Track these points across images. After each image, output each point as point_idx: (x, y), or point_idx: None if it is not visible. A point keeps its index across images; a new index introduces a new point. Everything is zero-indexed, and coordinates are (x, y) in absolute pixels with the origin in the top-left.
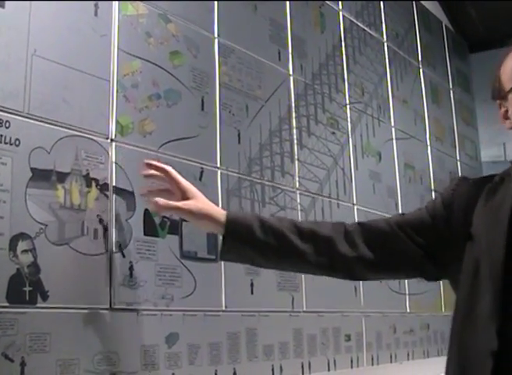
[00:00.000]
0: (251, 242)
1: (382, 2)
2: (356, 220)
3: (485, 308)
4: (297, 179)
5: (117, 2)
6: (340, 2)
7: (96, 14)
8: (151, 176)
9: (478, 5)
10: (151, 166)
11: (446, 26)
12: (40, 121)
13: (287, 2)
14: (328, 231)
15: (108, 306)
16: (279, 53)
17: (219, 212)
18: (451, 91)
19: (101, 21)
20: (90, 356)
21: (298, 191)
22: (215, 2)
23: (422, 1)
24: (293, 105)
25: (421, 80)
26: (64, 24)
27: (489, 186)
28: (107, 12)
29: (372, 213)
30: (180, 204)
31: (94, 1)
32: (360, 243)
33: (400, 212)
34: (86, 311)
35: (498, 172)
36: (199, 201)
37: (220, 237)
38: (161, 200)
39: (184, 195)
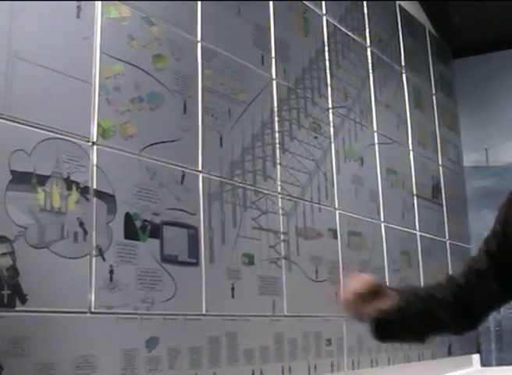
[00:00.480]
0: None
1: (365, 7)
2: (338, 225)
3: None
4: (279, 183)
5: (100, 4)
6: (324, 7)
7: (78, 16)
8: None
9: (462, 11)
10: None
11: (429, 31)
12: (21, 123)
13: (271, 6)
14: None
15: (87, 310)
16: (263, 57)
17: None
18: (434, 96)
19: (84, 23)
20: (70, 360)
21: (280, 195)
22: (199, 6)
23: (406, 7)
24: (276, 109)
25: (404, 84)
26: (46, 26)
27: None
28: (90, 15)
29: (353, 218)
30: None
31: (77, 3)
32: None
33: (382, 218)
34: (65, 314)
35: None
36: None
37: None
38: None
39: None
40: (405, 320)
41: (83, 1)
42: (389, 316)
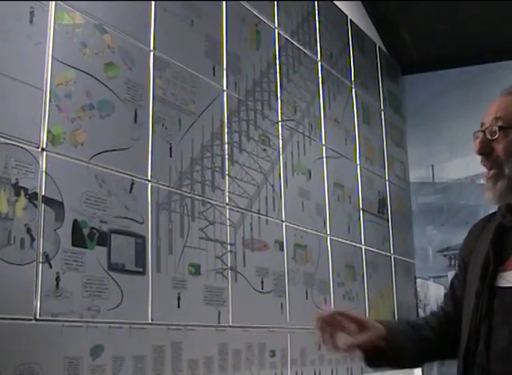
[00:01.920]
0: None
1: (317, 22)
2: (284, 238)
3: (464, 331)
4: (227, 194)
5: (53, 11)
6: (277, 20)
7: (31, 21)
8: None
9: (412, 29)
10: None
11: (379, 47)
12: None
13: (224, 18)
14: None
15: (32, 317)
16: (214, 68)
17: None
18: (382, 112)
19: (37, 29)
20: (12, 368)
21: (228, 206)
22: (152, 15)
23: (358, 23)
24: (226, 120)
25: (353, 100)
26: None
27: (486, 220)
28: (42, 21)
29: (300, 230)
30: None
31: (30, 9)
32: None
33: (328, 231)
34: (9, 321)
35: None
36: (375, 330)
37: None
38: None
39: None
40: (394, 345)
41: (36, 7)
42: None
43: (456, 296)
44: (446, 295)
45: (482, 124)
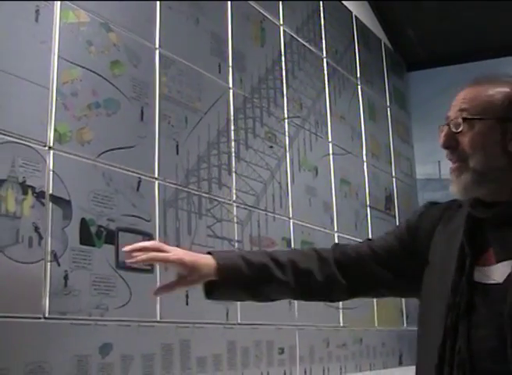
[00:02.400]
0: (242, 284)
1: (322, 19)
2: (292, 235)
3: (433, 327)
4: (234, 191)
5: (58, 9)
6: (282, 17)
7: (37, 20)
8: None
9: (417, 26)
10: (137, 251)
11: (385, 44)
12: None
13: (229, 15)
14: (304, 262)
15: (41, 315)
16: (220, 66)
17: (212, 267)
18: (388, 109)
19: (42, 28)
20: (22, 366)
21: (235, 204)
22: (157, 13)
23: (363, 20)
24: (232, 117)
25: (359, 96)
26: (3, 29)
27: (449, 212)
28: (48, 19)
29: (307, 227)
30: (185, 283)
31: (36, 8)
32: (334, 270)
33: (335, 228)
34: (19, 320)
35: (456, 197)
36: (195, 270)
37: None
38: (165, 287)
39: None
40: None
41: (41, 6)
42: (229, 272)
43: (381, 254)
44: (370, 241)
45: (447, 117)
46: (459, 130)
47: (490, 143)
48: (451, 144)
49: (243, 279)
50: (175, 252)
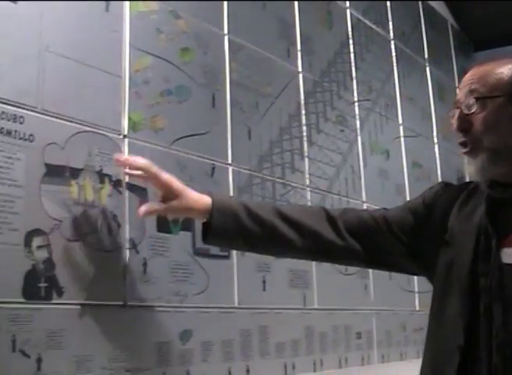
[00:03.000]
0: (237, 230)
1: (388, 0)
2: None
3: (454, 308)
4: (307, 176)
5: None
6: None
7: (107, 10)
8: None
9: (483, 5)
10: (121, 163)
11: (451, 24)
12: (54, 117)
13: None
14: (314, 218)
15: (122, 303)
16: (288, 50)
17: (204, 203)
18: (457, 89)
19: (113, 17)
20: (105, 353)
21: (308, 188)
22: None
23: (428, 0)
24: (303, 102)
25: (428, 77)
26: (76, 20)
27: (465, 193)
28: (118, 8)
29: None
30: (165, 208)
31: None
32: (345, 233)
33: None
34: (100, 307)
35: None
36: (182, 197)
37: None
38: (142, 209)
39: (169, 191)
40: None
41: None
42: (224, 214)
43: (395, 223)
44: (386, 210)
45: (456, 101)
46: (471, 111)
47: (504, 120)
48: (465, 126)
49: (240, 226)
50: (168, 207)
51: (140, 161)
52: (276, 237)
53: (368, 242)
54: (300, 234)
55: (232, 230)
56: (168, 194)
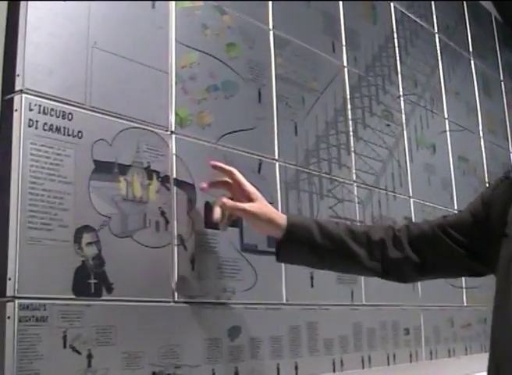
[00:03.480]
0: (310, 245)
1: None
2: (412, 214)
3: None
4: (354, 171)
5: None
6: None
7: (153, 6)
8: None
9: None
10: (216, 168)
11: (495, 17)
12: (102, 113)
13: None
14: (380, 236)
15: (171, 299)
16: (333, 45)
17: (281, 217)
18: (502, 83)
19: (159, 13)
20: (155, 349)
21: (355, 184)
22: None
23: None
24: (348, 96)
25: (473, 71)
26: (122, 16)
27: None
28: (164, 5)
29: (428, 206)
30: (247, 206)
31: None
32: (406, 247)
33: (455, 206)
34: (150, 304)
35: None
36: (262, 204)
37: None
38: (229, 201)
39: (248, 197)
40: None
41: None
42: (297, 230)
43: (454, 229)
44: (445, 217)
45: None
46: None
47: None
48: None
49: (312, 242)
50: (252, 205)
51: (227, 167)
52: (346, 254)
53: (428, 252)
54: (367, 251)
55: (305, 246)
56: (244, 199)
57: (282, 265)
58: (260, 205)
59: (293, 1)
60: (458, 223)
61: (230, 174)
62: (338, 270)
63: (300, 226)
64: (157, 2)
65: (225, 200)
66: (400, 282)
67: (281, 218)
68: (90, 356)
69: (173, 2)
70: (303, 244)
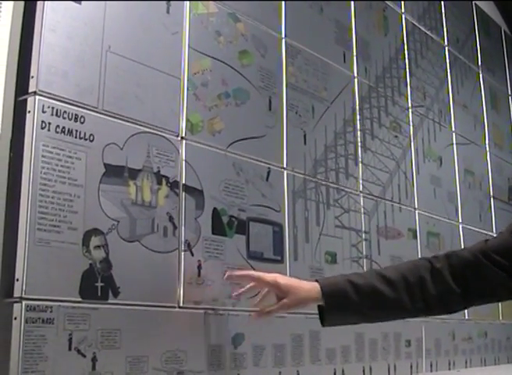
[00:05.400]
0: (350, 309)
1: (443, 6)
2: (417, 226)
3: None
4: (361, 181)
5: (188, 1)
6: (403, 5)
7: (168, 12)
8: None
9: None
10: (232, 279)
11: (505, 31)
12: (114, 117)
13: (352, 4)
14: (417, 275)
15: (176, 304)
16: (344, 55)
17: (313, 291)
18: (510, 97)
19: (173, 19)
20: (159, 354)
21: (362, 194)
22: (283, 3)
23: (482, 7)
24: (358, 107)
25: (481, 85)
26: (137, 21)
27: None
28: (178, 10)
29: (432, 218)
30: (278, 307)
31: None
32: (448, 278)
33: (460, 219)
34: (155, 308)
35: None
36: (291, 293)
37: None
38: (261, 311)
39: (278, 291)
40: (348, 301)
41: None
42: (335, 298)
43: (495, 253)
44: (486, 241)
45: None
46: None
47: None
48: None
49: (352, 304)
50: (283, 303)
51: (241, 272)
52: (387, 305)
53: (471, 280)
54: (407, 295)
55: (346, 311)
56: (278, 293)
57: (287, 272)
58: (290, 296)
59: (305, 0)
60: (502, 248)
61: (248, 279)
62: (385, 320)
63: (335, 293)
64: (171, 8)
65: (256, 313)
66: (446, 314)
67: (315, 292)
68: (94, 359)
69: (187, 9)
70: (344, 310)
